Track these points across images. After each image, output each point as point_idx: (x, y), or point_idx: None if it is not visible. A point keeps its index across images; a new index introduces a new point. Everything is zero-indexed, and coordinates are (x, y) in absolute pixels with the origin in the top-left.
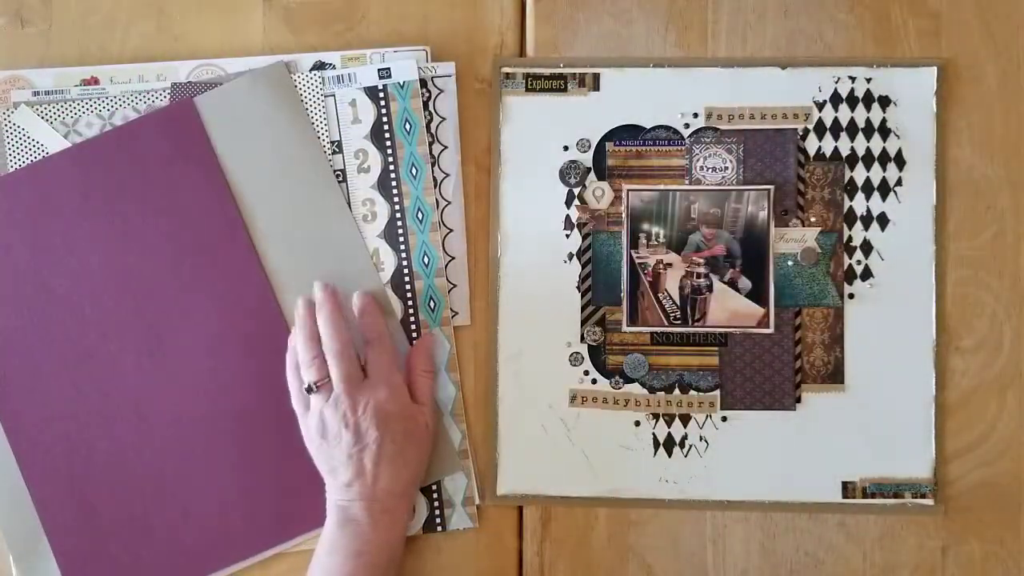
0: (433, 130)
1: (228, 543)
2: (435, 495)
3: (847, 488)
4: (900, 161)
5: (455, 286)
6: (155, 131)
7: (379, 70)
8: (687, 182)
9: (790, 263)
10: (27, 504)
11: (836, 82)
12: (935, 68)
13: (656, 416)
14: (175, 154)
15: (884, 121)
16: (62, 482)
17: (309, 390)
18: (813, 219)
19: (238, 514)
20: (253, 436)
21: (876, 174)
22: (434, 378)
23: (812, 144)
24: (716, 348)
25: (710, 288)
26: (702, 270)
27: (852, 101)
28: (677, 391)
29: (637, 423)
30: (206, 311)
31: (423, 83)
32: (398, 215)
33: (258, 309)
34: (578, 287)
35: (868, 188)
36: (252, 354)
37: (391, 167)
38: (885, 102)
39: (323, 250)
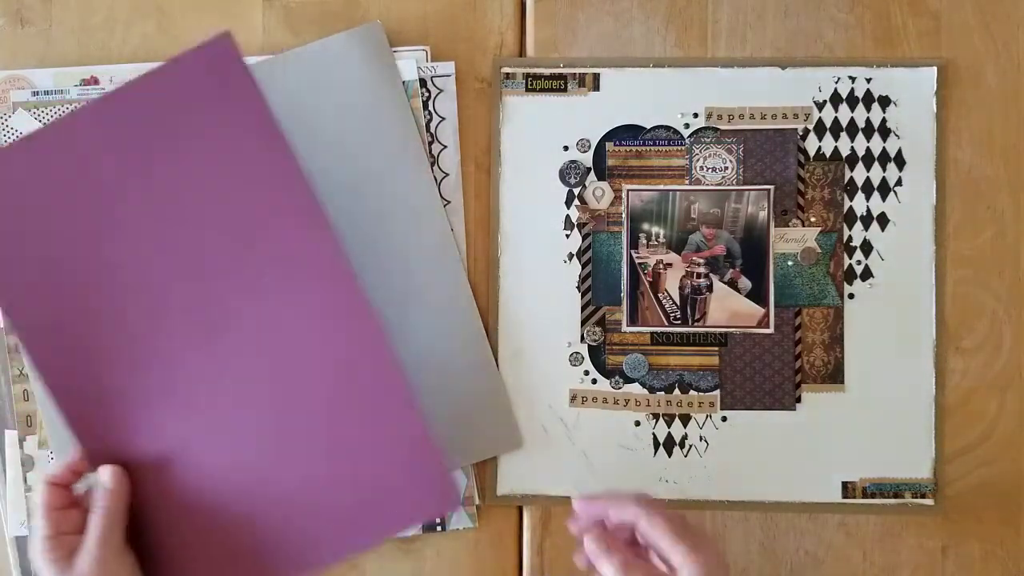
0: (433, 130)
1: (304, 545)
2: None
3: (847, 488)
4: (900, 161)
5: None
6: (194, 73)
7: None
8: (687, 182)
9: (790, 263)
10: None
11: (836, 82)
12: (935, 68)
13: (656, 416)
14: (219, 99)
15: (884, 121)
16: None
17: None
18: (813, 219)
19: (307, 514)
20: (325, 421)
21: (876, 174)
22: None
23: (812, 144)
24: (716, 348)
25: (710, 288)
26: (702, 270)
27: (852, 101)
28: (677, 391)
29: (637, 423)
30: (273, 283)
31: (423, 83)
32: None
33: (330, 277)
34: (578, 287)
35: (868, 188)
36: (326, 338)
37: None
38: (885, 102)
39: (401, 216)
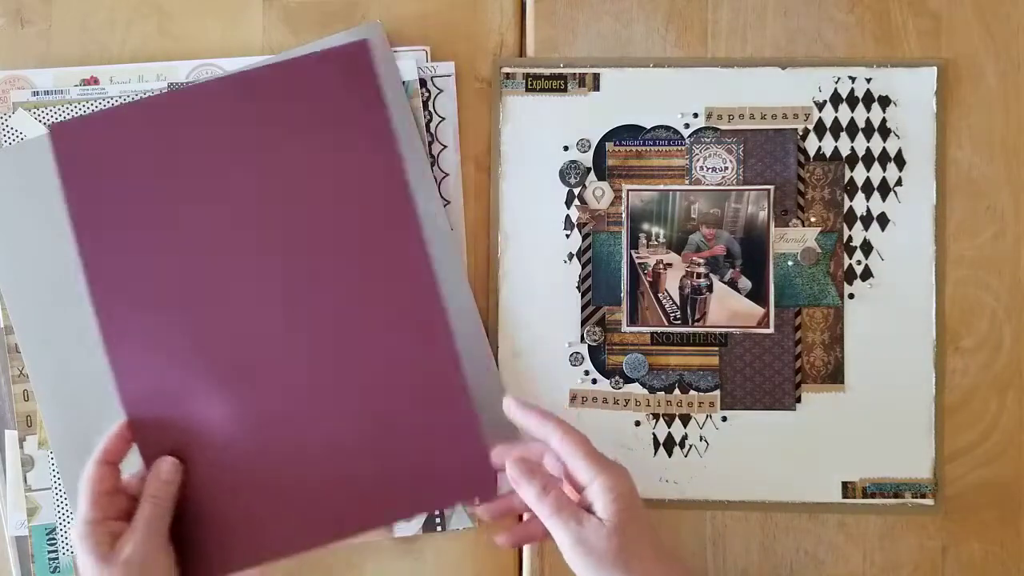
0: (433, 130)
1: (344, 512)
2: None
3: (847, 488)
4: (900, 161)
5: None
6: (329, 71)
7: None
8: (687, 182)
9: (790, 263)
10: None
11: (836, 82)
12: (935, 68)
13: (656, 416)
14: (345, 100)
15: (884, 121)
16: (164, 439)
17: None
18: (813, 219)
19: (365, 485)
20: (389, 399)
21: (876, 174)
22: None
23: (812, 144)
24: (716, 348)
25: (710, 288)
26: (702, 270)
27: (852, 101)
28: (677, 391)
29: (637, 423)
30: (358, 277)
31: (423, 83)
32: None
33: (413, 281)
34: (578, 287)
35: (868, 188)
36: (399, 325)
37: None
38: (885, 102)
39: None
